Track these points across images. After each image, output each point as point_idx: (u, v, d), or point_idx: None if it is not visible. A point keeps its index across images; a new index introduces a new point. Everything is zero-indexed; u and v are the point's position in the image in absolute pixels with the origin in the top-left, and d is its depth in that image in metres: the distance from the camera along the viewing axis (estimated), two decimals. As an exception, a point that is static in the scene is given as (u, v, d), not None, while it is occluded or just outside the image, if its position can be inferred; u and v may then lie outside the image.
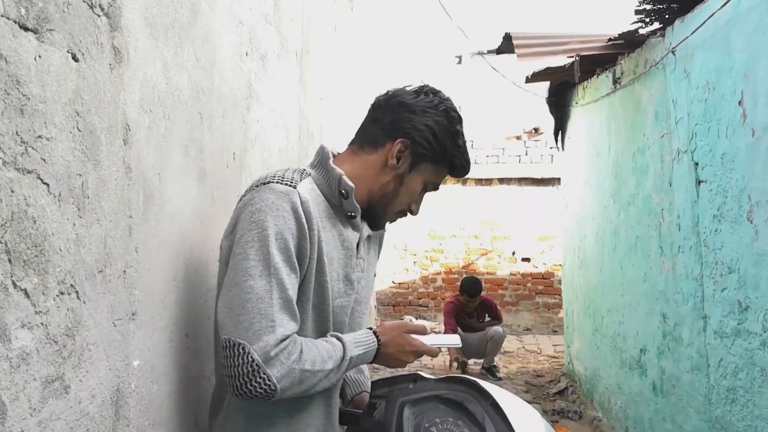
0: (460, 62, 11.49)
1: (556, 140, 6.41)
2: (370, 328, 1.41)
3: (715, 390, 2.96)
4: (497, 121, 9.04)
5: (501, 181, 8.81)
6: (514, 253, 8.83)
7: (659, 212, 3.66)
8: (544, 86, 6.04)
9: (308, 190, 1.31)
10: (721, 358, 2.91)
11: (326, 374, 1.27)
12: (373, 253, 1.54)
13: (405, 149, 1.38)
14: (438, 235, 8.85)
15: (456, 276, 8.87)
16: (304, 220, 1.25)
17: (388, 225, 1.54)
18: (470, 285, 6.53)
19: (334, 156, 1.42)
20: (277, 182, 1.28)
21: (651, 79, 3.76)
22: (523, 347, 7.94)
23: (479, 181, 8.87)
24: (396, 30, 12.58)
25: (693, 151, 3.17)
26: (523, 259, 8.82)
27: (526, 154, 8.81)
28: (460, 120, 1.44)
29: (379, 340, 1.38)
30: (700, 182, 3.10)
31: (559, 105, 6.25)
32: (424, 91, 1.43)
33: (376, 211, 1.43)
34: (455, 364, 6.44)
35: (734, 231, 2.75)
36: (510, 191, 8.81)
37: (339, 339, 1.32)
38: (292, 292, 1.24)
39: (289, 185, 1.27)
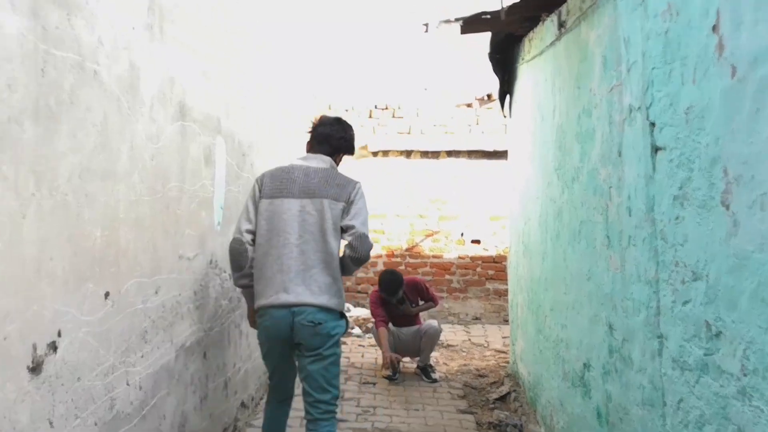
0: (426, 31, 10.51)
1: (502, 105, 5.52)
2: None
3: (672, 443, 2.11)
4: (453, 89, 8.11)
5: (449, 154, 7.91)
6: (462, 234, 7.96)
7: (606, 191, 2.79)
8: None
9: None
10: (681, 398, 2.06)
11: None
12: None
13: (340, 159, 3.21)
14: (379, 214, 7.94)
15: (399, 260, 7.99)
16: None
17: None
18: (387, 283, 5.57)
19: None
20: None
21: (599, 14, 2.86)
22: (469, 339, 7.11)
23: (425, 154, 7.96)
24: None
25: (648, 107, 2.28)
26: (473, 241, 7.96)
27: (477, 123, 7.90)
28: (348, 125, 3.26)
29: None
30: (657, 149, 2.22)
31: (506, 63, 5.33)
32: (339, 122, 3.22)
33: None
34: (386, 369, 5.59)
35: (702, 220, 1.88)
36: (459, 165, 7.92)
37: None
38: None
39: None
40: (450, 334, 7.33)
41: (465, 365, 6.16)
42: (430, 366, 5.72)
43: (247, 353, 4.24)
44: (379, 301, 5.63)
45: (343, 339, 3.90)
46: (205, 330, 3.37)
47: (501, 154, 7.82)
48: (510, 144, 5.65)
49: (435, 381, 5.54)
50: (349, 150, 3.18)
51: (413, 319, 5.81)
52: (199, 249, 3.26)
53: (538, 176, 4.37)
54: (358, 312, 7.60)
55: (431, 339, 5.65)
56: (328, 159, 3.06)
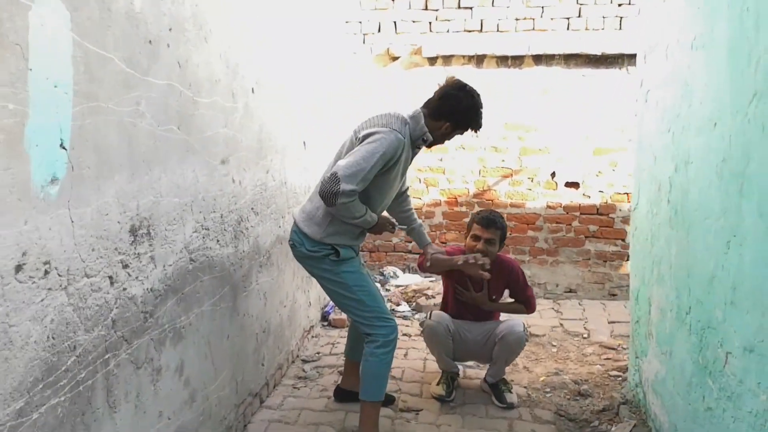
0: None
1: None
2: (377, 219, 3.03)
3: None
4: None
5: (538, 59, 5.61)
6: (554, 175, 5.74)
7: None
8: None
9: (405, 136, 2.86)
10: None
11: (353, 216, 2.84)
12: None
13: (449, 128, 3.00)
14: (437, 147, 5.85)
15: (464, 209, 5.89)
16: (398, 153, 2.83)
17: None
18: (487, 217, 3.57)
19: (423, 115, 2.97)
20: (397, 132, 2.82)
21: None
22: (562, 325, 5.04)
23: (503, 60, 5.67)
24: None
25: None
26: (568, 184, 5.73)
27: (579, 15, 5.53)
28: (480, 103, 3.00)
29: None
30: None
31: None
32: (465, 89, 2.97)
33: (430, 144, 3.03)
34: (439, 384, 3.71)
35: None
36: (551, 76, 5.62)
37: (363, 208, 2.88)
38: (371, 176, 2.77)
39: (401, 137, 2.83)
40: (534, 315, 5.27)
41: (557, 372, 4.15)
42: (505, 382, 3.74)
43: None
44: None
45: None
46: None
47: (613, 60, 5.49)
48: (647, 37, 3.38)
49: (511, 407, 3.59)
50: (459, 125, 3.04)
51: (488, 315, 3.81)
52: None
53: (717, 84, 2.20)
54: (406, 279, 5.64)
55: (510, 349, 3.66)
56: (418, 111, 3.01)
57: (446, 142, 3.15)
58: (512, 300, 3.83)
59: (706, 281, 2.41)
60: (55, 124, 1.71)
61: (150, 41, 2.21)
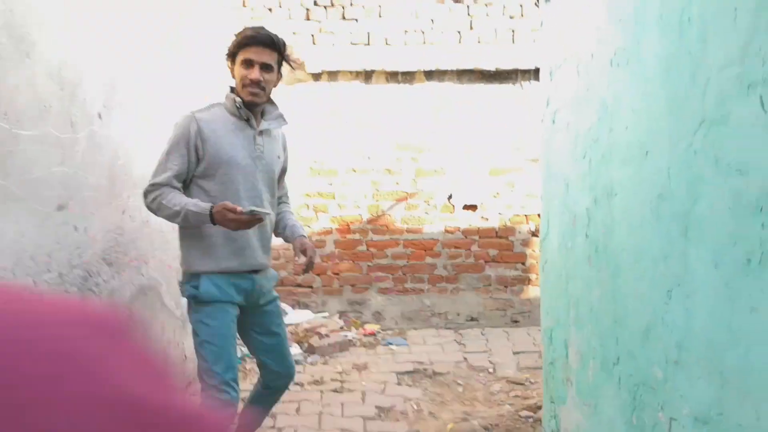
0: None
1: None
2: (212, 206, 2.34)
3: None
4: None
5: (429, 75, 5.27)
6: (450, 198, 5.43)
7: None
8: None
9: (210, 114, 2.50)
10: None
11: (172, 211, 2.35)
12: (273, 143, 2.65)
13: (228, 60, 2.56)
14: (327, 170, 5.34)
15: (358, 236, 5.44)
16: (190, 130, 2.43)
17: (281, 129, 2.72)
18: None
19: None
20: (186, 114, 2.49)
21: None
22: (466, 360, 4.69)
23: (393, 76, 5.28)
24: None
25: None
26: (466, 207, 5.42)
27: (471, 28, 5.25)
28: (245, 33, 2.55)
29: (211, 210, 2.32)
30: None
31: None
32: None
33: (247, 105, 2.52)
34: None
35: None
36: (444, 92, 5.30)
37: (187, 200, 2.39)
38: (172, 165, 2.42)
39: (188, 114, 2.48)
40: (436, 349, 4.90)
41: (465, 417, 3.78)
42: None
43: None
44: None
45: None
46: None
47: (507, 75, 5.25)
48: (552, 46, 3.08)
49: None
50: (228, 54, 2.67)
51: None
52: None
53: (655, 105, 1.88)
54: (297, 316, 5.11)
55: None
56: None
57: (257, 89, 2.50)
58: None
59: (639, 333, 2.08)
60: None
61: None
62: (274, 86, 2.57)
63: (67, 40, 2.41)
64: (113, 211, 2.83)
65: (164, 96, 3.50)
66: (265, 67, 2.49)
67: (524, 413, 3.84)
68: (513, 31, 5.18)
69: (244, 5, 5.13)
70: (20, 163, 2.05)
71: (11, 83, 2.00)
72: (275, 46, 2.50)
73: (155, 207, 2.42)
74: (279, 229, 2.78)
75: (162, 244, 3.43)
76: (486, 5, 5.17)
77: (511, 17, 5.19)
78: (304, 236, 2.73)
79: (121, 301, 2.88)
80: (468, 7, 5.20)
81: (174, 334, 3.70)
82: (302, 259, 2.61)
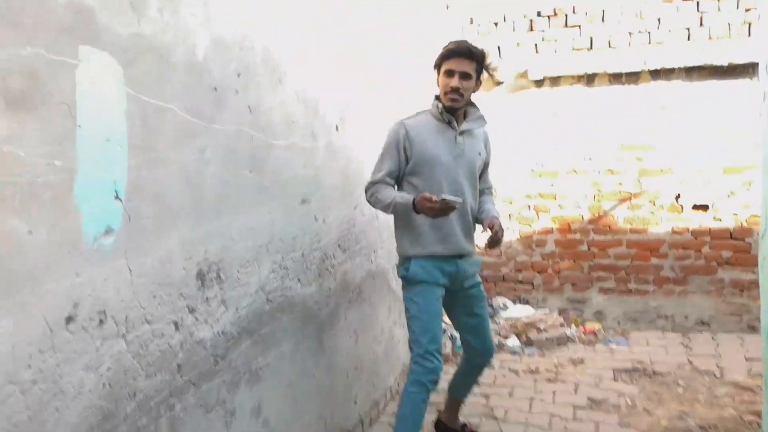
0: None
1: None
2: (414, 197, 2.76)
3: None
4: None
5: (655, 74, 5.21)
6: (678, 198, 5.29)
7: None
8: None
9: (416, 120, 2.94)
10: None
11: (384, 203, 2.85)
12: (474, 141, 2.99)
13: (435, 71, 2.93)
14: (547, 171, 5.54)
15: (579, 236, 5.56)
16: (399, 136, 2.90)
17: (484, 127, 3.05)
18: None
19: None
20: (396, 122, 2.97)
21: None
22: (690, 363, 4.58)
23: (616, 78, 5.31)
24: None
25: None
26: (696, 207, 5.24)
27: (701, 24, 5.09)
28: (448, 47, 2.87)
29: (414, 200, 2.74)
30: None
31: None
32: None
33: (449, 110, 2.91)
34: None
35: None
36: (671, 91, 5.19)
37: (396, 193, 2.88)
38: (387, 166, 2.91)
39: (398, 121, 2.95)
40: (659, 350, 4.84)
41: (681, 416, 3.75)
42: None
43: None
44: None
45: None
46: None
47: (742, 70, 5.00)
48: None
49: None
50: (435, 66, 3.02)
51: None
52: None
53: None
54: (517, 311, 5.38)
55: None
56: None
57: (455, 95, 2.85)
58: None
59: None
60: (108, 177, 1.76)
61: (215, 88, 2.25)
62: (474, 92, 2.94)
63: (310, 70, 3.02)
64: (346, 206, 3.40)
65: (390, 112, 4.04)
66: (464, 76, 2.83)
67: (749, 417, 3.70)
68: (748, 24, 4.91)
69: (471, 23, 5.56)
70: (273, 166, 2.64)
71: (267, 104, 2.61)
72: (473, 56, 2.84)
73: (372, 200, 2.94)
74: (478, 214, 3.08)
75: (390, 237, 3.97)
76: (717, 0, 4.97)
77: (746, 10, 4.92)
78: (496, 217, 3.00)
79: (352, 281, 3.45)
80: (698, 3, 5.04)
81: (399, 315, 4.24)
82: (487, 234, 2.90)
